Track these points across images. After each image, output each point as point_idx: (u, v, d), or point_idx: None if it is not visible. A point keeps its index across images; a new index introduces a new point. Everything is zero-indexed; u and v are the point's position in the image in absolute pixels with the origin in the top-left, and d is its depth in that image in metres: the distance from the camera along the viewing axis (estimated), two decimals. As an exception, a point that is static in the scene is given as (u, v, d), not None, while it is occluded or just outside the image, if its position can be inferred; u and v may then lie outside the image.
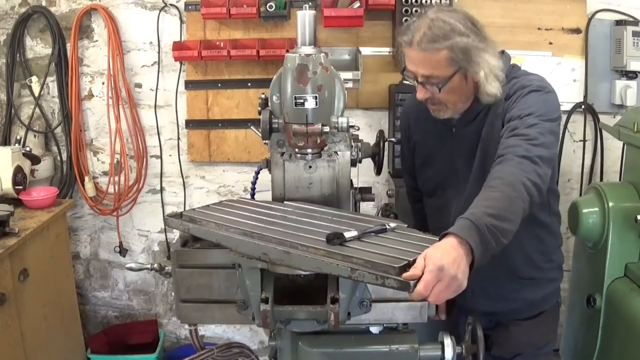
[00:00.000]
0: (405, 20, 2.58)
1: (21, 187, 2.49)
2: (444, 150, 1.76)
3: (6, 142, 2.78)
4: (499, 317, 1.82)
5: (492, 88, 1.57)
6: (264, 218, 1.45)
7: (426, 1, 2.59)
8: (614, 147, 2.77)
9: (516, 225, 1.32)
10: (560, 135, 1.69)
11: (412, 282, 1.11)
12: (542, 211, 1.72)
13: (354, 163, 1.66)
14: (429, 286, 1.13)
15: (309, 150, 1.54)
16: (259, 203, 1.61)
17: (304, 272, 1.30)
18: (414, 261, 1.17)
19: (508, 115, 1.57)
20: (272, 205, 1.58)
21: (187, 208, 2.96)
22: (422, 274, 1.13)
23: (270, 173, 1.65)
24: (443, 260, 1.14)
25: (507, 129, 1.52)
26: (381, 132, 1.78)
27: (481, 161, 1.64)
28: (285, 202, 1.61)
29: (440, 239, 1.23)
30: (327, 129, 1.47)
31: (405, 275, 1.14)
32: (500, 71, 1.58)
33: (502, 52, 1.66)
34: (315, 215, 1.48)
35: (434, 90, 1.58)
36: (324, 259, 1.20)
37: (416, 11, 2.58)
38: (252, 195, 1.83)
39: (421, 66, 1.56)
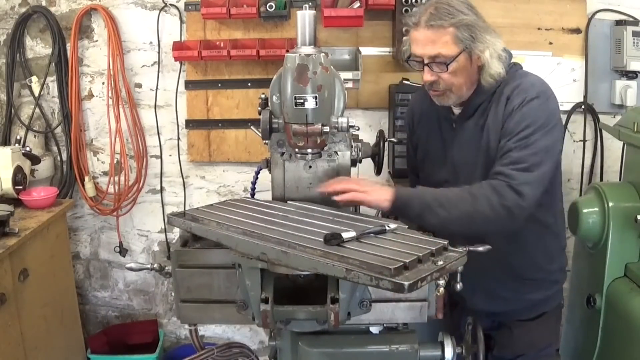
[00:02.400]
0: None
1: (21, 187, 2.49)
2: (444, 147, 1.77)
3: (6, 142, 2.78)
4: (500, 317, 1.82)
5: (497, 68, 1.61)
6: (265, 217, 1.45)
7: (426, 1, 2.58)
8: (614, 147, 2.76)
9: (451, 219, 1.48)
10: (563, 136, 1.71)
11: (406, 284, 1.11)
12: (545, 212, 1.72)
13: (354, 163, 1.66)
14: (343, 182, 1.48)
15: (309, 150, 1.54)
16: (261, 202, 1.61)
17: (303, 272, 1.30)
18: (411, 262, 1.17)
19: (507, 125, 1.60)
20: (274, 205, 1.58)
21: (187, 208, 2.96)
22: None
23: (270, 173, 1.65)
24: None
25: (502, 148, 1.58)
26: (381, 132, 1.78)
27: (485, 152, 1.66)
28: (287, 202, 1.61)
29: None
30: (327, 129, 1.47)
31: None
32: (503, 52, 1.63)
33: (503, 48, 1.67)
34: (316, 215, 1.48)
35: (442, 69, 1.60)
36: (321, 260, 1.21)
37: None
38: (252, 195, 1.84)
39: (428, 45, 1.58)
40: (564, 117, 2.69)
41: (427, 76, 1.63)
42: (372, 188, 1.54)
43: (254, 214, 1.48)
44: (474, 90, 1.67)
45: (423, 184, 1.88)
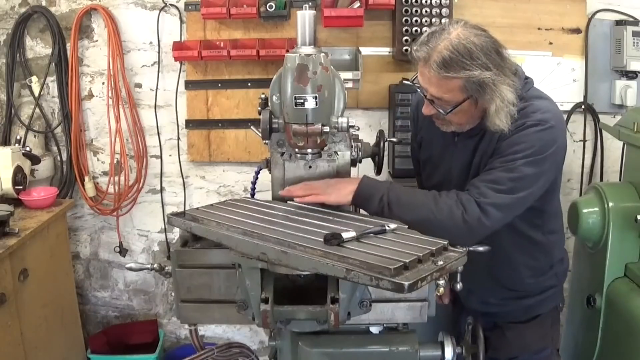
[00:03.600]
0: (406, 20, 2.58)
1: (21, 187, 2.49)
2: (446, 155, 1.76)
3: (6, 142, 2.78)
4: (494, 318, 1.82)
5: (501, 123, 1.53)
6: (265, 218, 1.45)
7: (426, 1, 2.58)
8: (614, 147, 2.76)
9: (408, 222, 1.44)
10: (560, 165, 1.66)
11: (406, 284, 1.11)
12: (534, 230, 1.71)
13: (354, 163, 1.66)
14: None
15: (309, 150, 1.54)
16: (261, 202, 1.61)
17: (303, 272, 1.30)
18: (411, 262, 1.17)
19: (499, 145, 1.57)
20: (274, 205, 1.58)
21: (187, 208, 2.96)
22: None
23: (270, 173, 1.65)
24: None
25: (487, 166, 1.57)
26: (381, 132, 1.78)
27: (476, 172, 1.64)
28: (288, 202, 1.61)
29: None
30: (327, 129, 1.47)
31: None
32: (513, 106, 1.52)
33: (516, 71, 1.59)
34: (316, 215, 1.48)
35: (443, 109, 1.56)
36: (321, 260, 1.21)
37: (416, 11, 2.58)
38: (252, 195, 1.83)
39: (433, 87, 1.54)
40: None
41: (427, 110, 1.61)
42: (333, 188, 1.56)
43: (254, 214, 1.48)
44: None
45: (425, 184, 1.88)
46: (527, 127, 1.54)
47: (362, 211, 1.73)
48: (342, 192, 1.55)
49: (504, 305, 1.79)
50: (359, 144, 1.68)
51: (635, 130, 2.10)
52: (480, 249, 1.35)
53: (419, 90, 1.62)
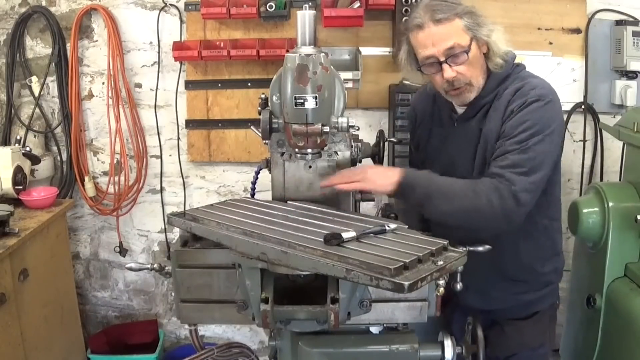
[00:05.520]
0: (406, 20, 2.57)
1: (21, 187, 2.49)
2: (446, 145, 1.77)
3: (6, 142, 2.78)
4: (493, 315, 1.82)
5: (503, 47, 1.63)
6: (266, 217, 1.45)
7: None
8: (614, 147, 2.76)
9: (450, 212, 1.51)
10: (562, 140, 1.73)
11: (406, 284, 1.11)
12: (539, 214, 1.71)
13: (354, 163, 1.66)
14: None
15: (309, 150, 1.54)
16: (262, 202, 1.61)
17: (303, 272, 1.30)
18: (411, 262, 1.17)
19: (506, 126, 1.60)
20: (274, 205, 1.58)
21: (187, 208, 2.96)
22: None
23: (270, 173, 1.65)
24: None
25: (499, 149, 1.58)
26: (381, 132, 1.78)
27: (482, 154, 1.66)
28: (288, 202, 1.61)
29: None
30: (327, 129, 1.47)
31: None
32: (502, 35, 1.64)
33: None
34: (316, 215, 1.48)
35: (462, 60, 1.59)
36: (320, 260, 1.21)
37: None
38: (252, 195, 1.84)
39: (441, 40, 1.57)
40: (564, 117, 2.69)
41: (449, 73, 1.60)
42: (375, 176, 1.56)
43: (254, 214, 1.48)
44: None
45: None
46: (529, 104, 1.58)
47: (360, 210, 1.73)
48: (386, 182, 1.55)
49: (505, 300, 1.79)
50: (359, 144, 1.68)
51: (635, 130, 2.10)
52: (480, 249, 1.36)
53: (431, 71, 1.63)
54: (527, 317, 1.81)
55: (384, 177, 1.56)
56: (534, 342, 1.82)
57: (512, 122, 1.58)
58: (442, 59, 1.59)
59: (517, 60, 1.72)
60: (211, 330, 3.13)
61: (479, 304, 1.78)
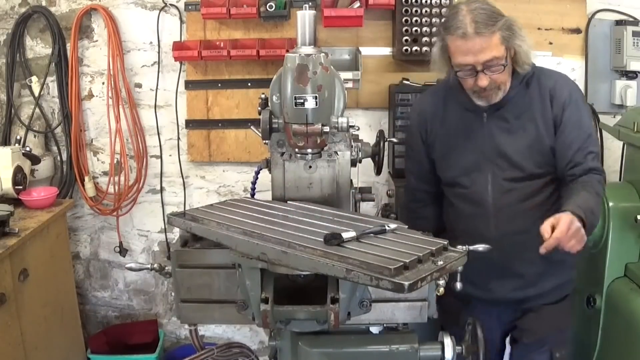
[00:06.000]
0: (406, 20, 2.58)
1: (21, 187, 2.49)
2: (475, 139, 1.82)
3: (6, 142, 2.78)
4: (527, 303, 1.87)
5: (528, 60, 1.74)
6: (265, 218, 1.45)
7: (426, 1, 2.58)
8: (614, 147, 2.76)
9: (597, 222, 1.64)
10: None
11: (406, 284, 1.11)
12: None
13: (354, 163, 1.66)
14: (564, 229, 1.42)
15: (309, 150, 1.54)
16: (261, 202, 1.61)
17: (303, 272, 1.30)
18: (411, 262, 1.17)
19: (568, 119, 1.73)
20: (274, 205, 1.58)
21: (187, 208, 2.96)
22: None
23: (270, 173, 1.65)
24: (570, 217, 1.45)
25: (577, 143, 1.72)
26: (381, 132, 1.78)
27: (536, 139, 1.76)
28: (288, 202, 1.61)
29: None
30: (327, 129, 1.47)
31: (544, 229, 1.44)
32: (530, 43, 1.74)
33: None
34: (316, 215, 1.48)
35: (498, 70, 1.68)
36: (320, 260, 1.21)
37: (416, 11, 2.58)
38: (252, 195, 1.84)
39: (482, 53, 1.64)
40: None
41: (484, 81, 1.68)
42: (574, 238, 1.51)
43: (254, 214, 1.48)
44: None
45: (444, 176, 1.92)
46: (579, 104, 1.76)
47: (360, 210, 1.73)
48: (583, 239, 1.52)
49: (540, 285, 1.84)
50: (359, 144, 1.68)
51: (635, 130, 2.10)
52: (481, 248, 1.36)
53: (465, 75, 1.71)
54: (557, 301, 1.88)
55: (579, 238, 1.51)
56: (564, 325, 1.91)
57: (573, 114, 1.73)
58: (479, 68, 1.67)
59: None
60: (211, 330, 3.13)
61: (516, 294, 1.84)
